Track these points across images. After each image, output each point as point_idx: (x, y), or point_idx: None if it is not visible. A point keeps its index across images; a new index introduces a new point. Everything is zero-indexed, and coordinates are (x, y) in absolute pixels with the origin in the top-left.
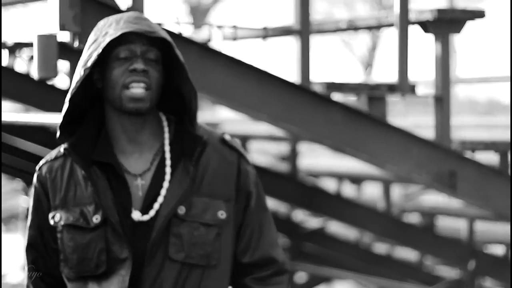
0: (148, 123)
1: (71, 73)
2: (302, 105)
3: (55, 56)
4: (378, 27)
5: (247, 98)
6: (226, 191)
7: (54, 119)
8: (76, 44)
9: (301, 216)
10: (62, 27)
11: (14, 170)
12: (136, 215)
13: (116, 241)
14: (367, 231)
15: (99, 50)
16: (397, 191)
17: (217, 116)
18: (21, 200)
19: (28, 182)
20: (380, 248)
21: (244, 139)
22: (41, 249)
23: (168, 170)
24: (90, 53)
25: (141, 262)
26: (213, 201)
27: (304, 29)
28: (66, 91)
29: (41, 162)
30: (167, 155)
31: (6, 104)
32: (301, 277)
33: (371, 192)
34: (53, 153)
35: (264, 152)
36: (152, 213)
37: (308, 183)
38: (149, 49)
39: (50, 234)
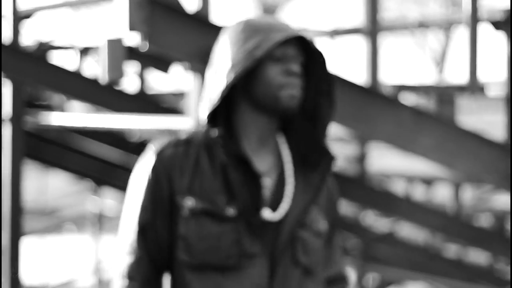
0: (278, 127)
1: (139, 75)
2: (371, 107)
3: (123, 59)
4: (449, 25)
5: None
6: (326, 206)
7: (121, 121)
8: (144, 46)
9: (371, 218)
10: (132, 28)
11: (82, 171)
12: (267, 213)
13: (247, 236)
14: (438, 233)
15: (264, 48)
16: (467, 192)
17: None
18: (89, 200)
19: (97, 182)
20: (451, 250)
21: None
22: (153, 233)
23: (291, 173)
24: (250, 49)
25: (268, 262)
26: (321, 212)
27: (373, 31)
28: (133, 94)
29: (160, 146)
30: (288, 159)
31: (77, 105)
32: (371, 279)
33: (442, 194)
34: (172, 140)
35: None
36: (281, 213)
37: (377, 185)
38: (299, 54)
39: (163, 219)
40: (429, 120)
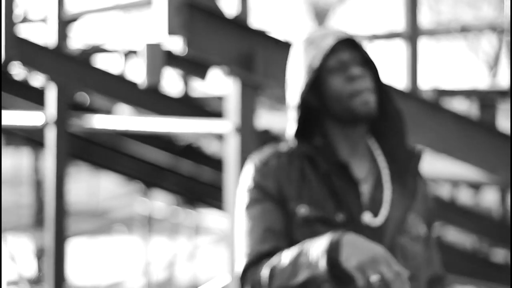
0: (366, 133)
1: (182, 79)
2: (411, 112)
3: (162, 64)
4: (502, 29)
5: None
6: (423, 209)
7: (165, 124)
8: (184, 50)
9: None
10: (171, 32)
11: (132, 173)
12: (368, 217)
13: None
14: (484, 238)
15: (319, 58)
16: None
17: None
18: (138, 202)
19: (146, 185)
20: (498, 255)
21: None
22: (281, 235)
23: (387, 179)
24: (308, 63)
25: None
26: (418, 217)
27: (413, 34)
28: (177, 97)
29: (263, 157)
30: (383, 165)
31: (126, 108)
32: None
33: (488, 199)
34: (272, 151)
35: None
36: (382, 218)
37: None
38: (353, 55)
39: (280, 223)
40: (470, 125)
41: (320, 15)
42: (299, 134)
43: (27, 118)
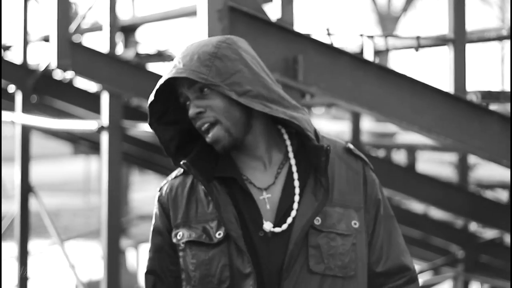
0: (262, 138)
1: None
2: (456, 116)
3: None
4: None
5: (399, 109)
6: (355, 200)
7: None
8: None
9: (476, 226)
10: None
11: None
12: (268, 225)
13: (239, 256)
14: None
15: (151, 97)
16: None
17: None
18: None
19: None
20: None
21: (413, 149)
22: (160, 273)
23: (296, 183)
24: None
25: (276, 275)
26: (346, 211)
27: (458, 37)
28: None
29: (162, 183)
30: (294, 168)
31: None
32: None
33: None
34: (173, 173)
35: (434, 162)
36: (285, 225)
37: (479, 193)
38: (192, 86)
39: (168, 257)
40: None
41: (385, 19)
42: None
43: (84, 123)
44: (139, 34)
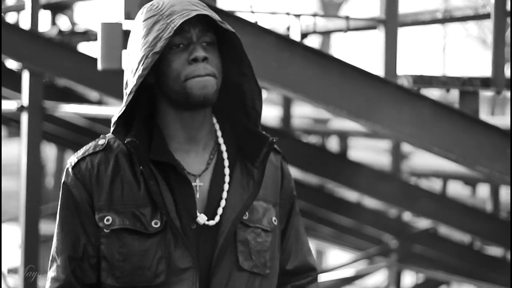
0: (207, 120)
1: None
2: (386, 100)
3: (120, 46)
4: (475, 17)
5: (326, 92)
6: (274, 195)
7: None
8: None
9: (410, 216)
10: (127, 16)
11: None
12: (202, 218)
13: (177, 248)
14: (475, 235)
15: (164, 39)
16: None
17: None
18: None
19: None
20: (495, 250)
21: (344, 135)
22: (79, 258)
23: (227, 171)
24: (151, 42)
25: (205, 271)
26: (268, 206)
27: (389, 18)
28: None
29: (76, 157)
30: (225, 155)
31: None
32: (409, 279)
33: (482, 193)
34: (89, 147)
35: (368, 149)
36: (218, 216)
37: (411, 182)
38: (204, 33)
39: (88, 240)
40: (449, 115)
41: (329, 4)
42: (125, 123)
43: (4, 104)
44: (68, 12)
